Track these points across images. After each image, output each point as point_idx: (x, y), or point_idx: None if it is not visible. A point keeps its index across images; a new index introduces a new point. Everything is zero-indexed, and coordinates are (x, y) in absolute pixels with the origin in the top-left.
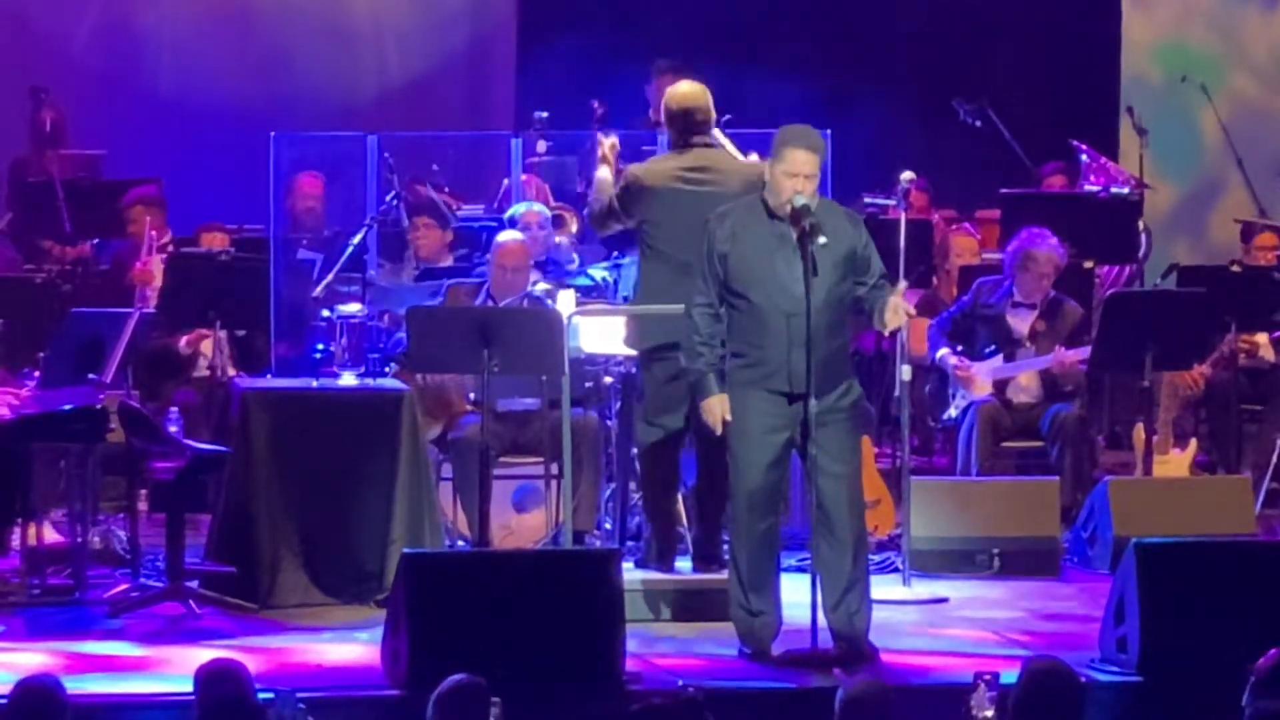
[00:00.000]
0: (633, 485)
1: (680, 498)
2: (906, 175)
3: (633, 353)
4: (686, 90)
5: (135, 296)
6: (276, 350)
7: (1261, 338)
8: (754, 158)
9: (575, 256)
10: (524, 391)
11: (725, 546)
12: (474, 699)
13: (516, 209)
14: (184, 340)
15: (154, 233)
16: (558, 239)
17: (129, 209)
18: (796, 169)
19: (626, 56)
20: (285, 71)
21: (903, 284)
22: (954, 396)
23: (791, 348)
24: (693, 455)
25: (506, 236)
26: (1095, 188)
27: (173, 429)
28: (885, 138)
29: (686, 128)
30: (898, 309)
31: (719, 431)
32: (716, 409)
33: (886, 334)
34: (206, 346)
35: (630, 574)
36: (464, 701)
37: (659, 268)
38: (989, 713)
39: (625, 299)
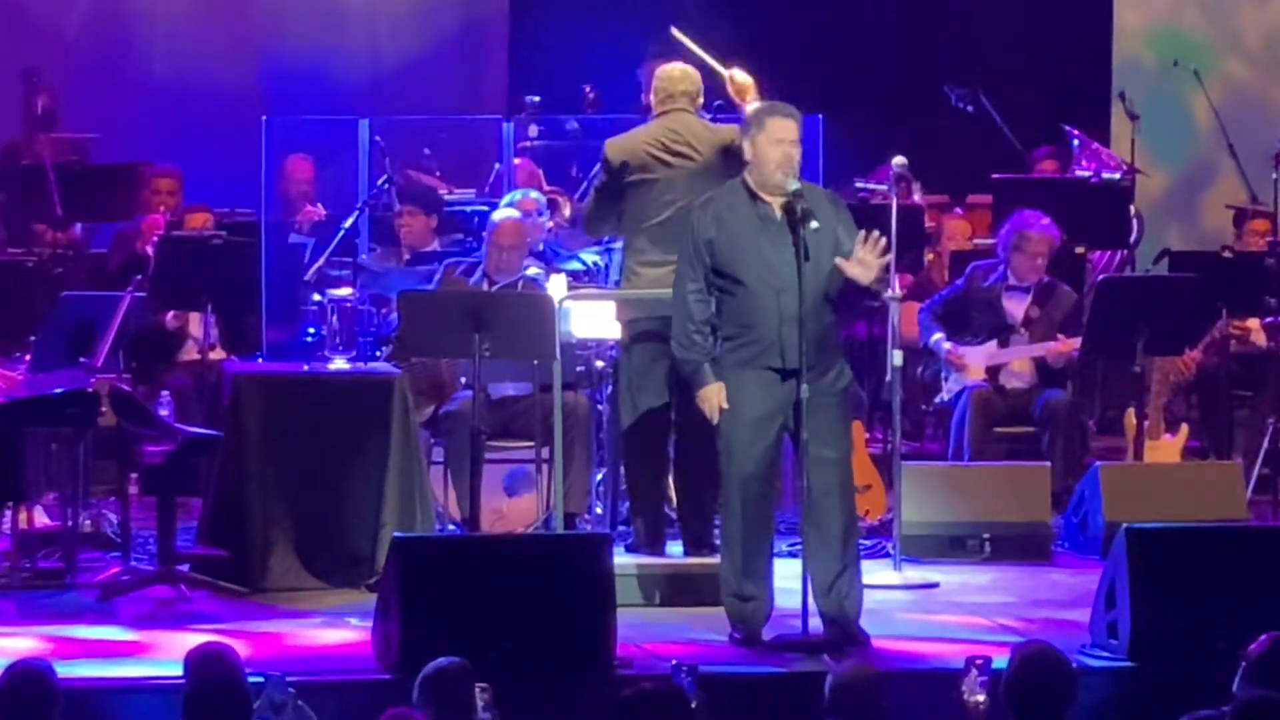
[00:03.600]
0: (622, 471)
1: (670, 481)
2: (899, 160)
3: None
4: (674, 65)
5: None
6: (268, 334)
7: (1253, 323)
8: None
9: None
10: (515, 376)
11: (716, 530)
12: (459, 681)
13: (512, 196)
14: (169, 316)
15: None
16: (550, 224)
17: (157, 179)
18: (781, 134)
19: (618, 41)
20: (277, 55)
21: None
22: (946, 380)
23: (782, 323)
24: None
25: (502, 215)
26: (1087, 173)
27: (164, 412)
28: (876, 123)
29: (668, 97)
30: (865, 262)
31: (715, 419)
32: (713, 398)
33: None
34: (195, 328)
35: (621, 558)
36: (449, 683)
37: (635, 233)
38: (980, 697)
39: (617, 283)
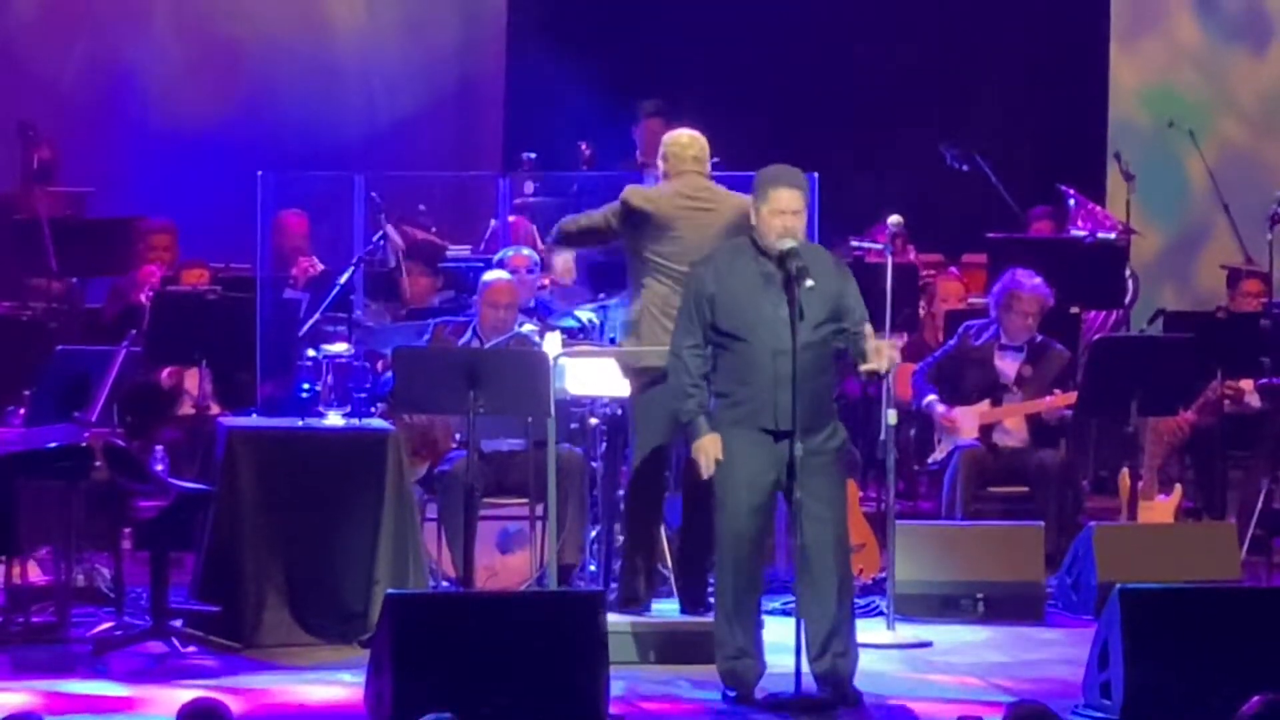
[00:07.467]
0: (617, 527)
1: (665, 539)
2: (894, 219)
3: (619, 394)
4: (682, 132)
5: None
6: (262, 389)
7: (1247, 384)
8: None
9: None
10: (509, 432)
11: (711, 589)
12: None
13: (504, 253)
14: (165, 372)
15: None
16: (545, 282)
17: (153, 235)
18: (783, 206)
19: (614, 98)
20: (273, 110)
21: (872, 333)
22: (939, 441)
23: (778, 386)
24: (678, 498)
25: (494, 275)
26: (1082, 233)
27: (158, 467)
28: (872, 181)
29: (679, 161)
30: (880, 350)
31: (710, 471)
32: (710, 449)
33: (871, 377)
34: (190, 383)
35: (615, 616)
36: None
37: (660, 285)
38: None
39: (612, 340)
